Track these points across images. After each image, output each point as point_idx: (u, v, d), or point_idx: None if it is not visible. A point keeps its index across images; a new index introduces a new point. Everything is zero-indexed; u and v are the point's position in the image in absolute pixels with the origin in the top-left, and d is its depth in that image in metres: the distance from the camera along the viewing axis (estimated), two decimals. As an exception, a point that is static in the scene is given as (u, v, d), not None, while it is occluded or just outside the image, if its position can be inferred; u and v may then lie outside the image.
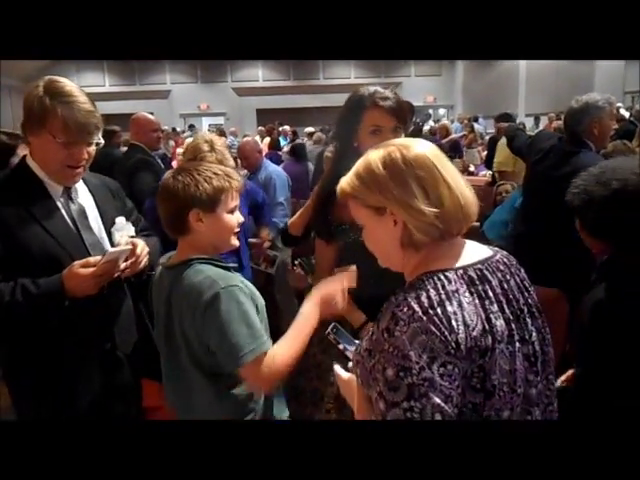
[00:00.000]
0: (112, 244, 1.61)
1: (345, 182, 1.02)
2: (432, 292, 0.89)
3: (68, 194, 1.55)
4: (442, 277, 0.91)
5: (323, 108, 16.78)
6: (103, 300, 1.52)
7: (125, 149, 6.25)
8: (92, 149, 1.51)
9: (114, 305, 1.61)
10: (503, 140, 5.40)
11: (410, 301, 0.88)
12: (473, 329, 0.87)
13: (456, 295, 0.89)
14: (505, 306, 0.93)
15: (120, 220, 1.65)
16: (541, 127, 10.28)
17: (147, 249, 1.59)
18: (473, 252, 1.00)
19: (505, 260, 1.01)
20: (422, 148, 0.98)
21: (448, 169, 0.97)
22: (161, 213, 1.42)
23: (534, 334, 0.97)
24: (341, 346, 1.25)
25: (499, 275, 0.96)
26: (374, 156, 0.99)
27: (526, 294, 0.99)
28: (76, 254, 1.46)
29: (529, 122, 12.14)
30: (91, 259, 1.42)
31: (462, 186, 0.97)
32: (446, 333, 0.85)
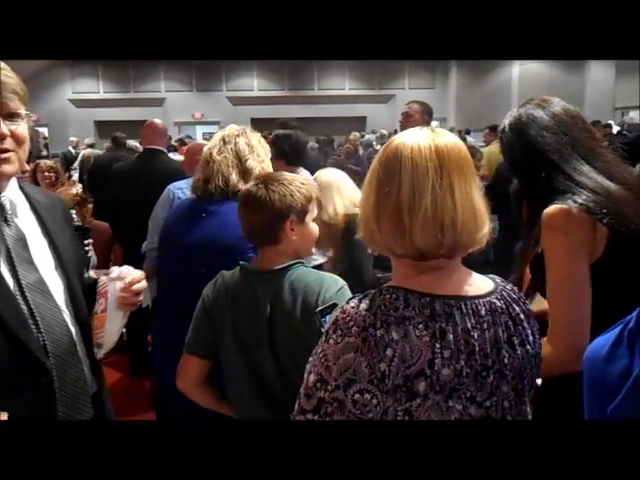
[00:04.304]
0: (70, 293, 1.17)
1: None
2: (382, 310, 0.79)
3: (2, 212, 1.10)
4: (401, 298, 0.81)
5: (317, 118, 16.87)
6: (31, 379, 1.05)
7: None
8: (18, 127, 1.08)
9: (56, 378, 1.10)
10: (488, 148, 5.56)
11: (355, 312, 0.80)
12: (409, 367, 0.77)
13: (407, 323, 0.78)
14: (462, 356, 0.80)
15: (124, 270, 1.22)
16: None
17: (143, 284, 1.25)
18: (460, 284, 0.86)
19: (497, 305, 0.86)
20: (408, 143, 0.84)
21: (424, 179, 0.81)
22: (251, 223, 1.42)
23: (495, 398, 0.84)
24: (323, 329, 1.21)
25: (473, 320, 0.82)
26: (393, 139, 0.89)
27: (504, 352, 0.85)
28: None
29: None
30: None
31: (440, 206, 0.81)
32: (375, 360, 0.77)
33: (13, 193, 1.15)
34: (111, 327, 1.21)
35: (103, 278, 1.24)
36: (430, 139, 0.85)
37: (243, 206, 1.44)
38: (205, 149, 1.89)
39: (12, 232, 1.10)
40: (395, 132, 5.45)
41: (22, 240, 1.11)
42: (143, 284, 1.24)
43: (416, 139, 0.85)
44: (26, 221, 1.15)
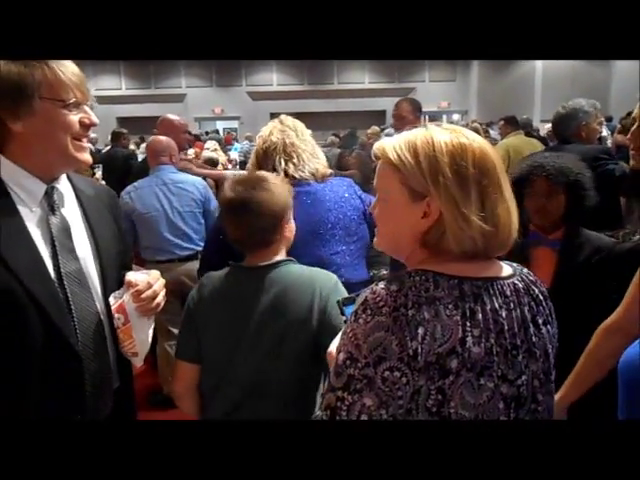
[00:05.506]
0: (105, 285, 1.20)
1: (391, 146, 0.89)
2: (412, 291, 0.81)
3: (50, 201, 1.14)
4: (431, 279, 0.83)
5: (337, 113, 16.83)
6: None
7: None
8: None
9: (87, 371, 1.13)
10: (505, 141, 5.40)
11: (385, 292, 0.81)
12: (440, 345, 0.79)
13: (437, 303, 0.81)
14: (492, 335, 0.83)
15: (131, 280, 1.19)
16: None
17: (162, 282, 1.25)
18: (484, 267, 0.89)
19: (520, 286, 0.90)
20: (492, 153, 0.88)
21: (507, 184, 0.89)
22: (248, 227, 1.37)
23: (525, 377, 0.87)
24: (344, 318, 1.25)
25: (500, 300, 0.85)
26: (440, 136, 0.86)
27: (531, 331, 0.88)
28: (37, 288, 1.05)
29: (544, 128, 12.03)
30: None
31: (514, 207, 0.89)
32: (407, 338, 0.78)
33: (62, 184, 1.19)
34: (140, 335, 1.21)
35: (111, 298, 1.20)
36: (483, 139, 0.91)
37: (237, 211, 1.37)
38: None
39: (57, 221, 1.13)
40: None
41: (66, 230, 1.15)
42: (154, 289, 1.21)
43: (478, 138, 0.89)
44: (71, 211, 1.19)
